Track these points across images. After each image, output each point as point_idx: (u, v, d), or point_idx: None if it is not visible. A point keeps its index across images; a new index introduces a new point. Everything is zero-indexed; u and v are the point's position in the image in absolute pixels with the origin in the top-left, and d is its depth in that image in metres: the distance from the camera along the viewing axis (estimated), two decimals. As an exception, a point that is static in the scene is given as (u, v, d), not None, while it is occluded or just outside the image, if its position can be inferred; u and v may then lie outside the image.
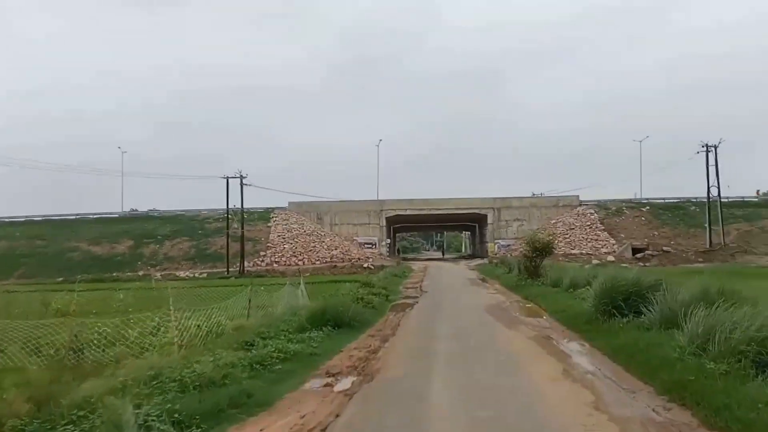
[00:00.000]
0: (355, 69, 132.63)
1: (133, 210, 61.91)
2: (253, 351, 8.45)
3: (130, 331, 11.06)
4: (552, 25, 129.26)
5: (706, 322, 6.25)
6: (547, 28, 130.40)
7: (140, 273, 46.47)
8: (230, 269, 45.87)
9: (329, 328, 10.50)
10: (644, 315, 8.61)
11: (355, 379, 6.96)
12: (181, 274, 45.96)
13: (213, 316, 12.43)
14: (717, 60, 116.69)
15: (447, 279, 29.93)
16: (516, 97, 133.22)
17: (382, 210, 56.05)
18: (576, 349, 8.36)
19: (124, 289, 24.48)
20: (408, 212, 56.41)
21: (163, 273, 46.54)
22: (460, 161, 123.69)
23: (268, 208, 58.10)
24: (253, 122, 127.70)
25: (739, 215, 50.42)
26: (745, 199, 54.13)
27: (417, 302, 17.24)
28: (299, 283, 19.74)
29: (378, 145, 62.00)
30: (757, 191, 60.18)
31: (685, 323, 6.82)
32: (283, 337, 9.84)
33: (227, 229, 47.64)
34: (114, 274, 44.84)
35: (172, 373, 7.15)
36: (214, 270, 46.89)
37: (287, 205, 58.26)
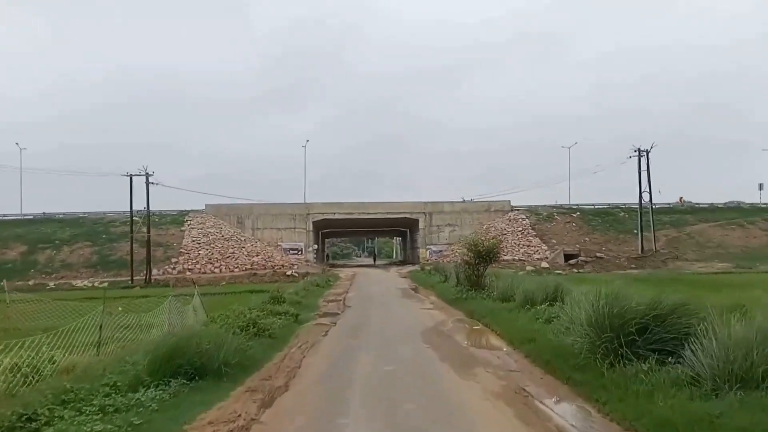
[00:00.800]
0: (283, 83, 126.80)
1: (44, 214, 54.10)
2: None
3: None
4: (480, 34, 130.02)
5: None
6: (481, 36, 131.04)
7: (31, 282, 40.64)
8: (136, 277, 40.41)
9: (182, 380, 6.58)
10: (673, 358, 5.40)
11: None
12: (79, 283, 40.26)
13: (44, 349, 8.41)
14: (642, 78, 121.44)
15: (376, 289, 26.40)
16: (445, 105, 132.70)
17: (308, 213, 51.93)
18: (587, 428, 4.94)
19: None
20: (337, 216, 52.60)
21: (58, 282, 40.95)
22: (388, 169, 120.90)
23: (182, 211, 52.60)
24: (176, 130, 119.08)
25: (666, 221, 50.44)
26: (672, 206, 54.51)
27: (335, 324, 13.53)
28: (195, 296, 15.67)
29: (305, 146, 57.78)
30: (680, 198, 61.19)
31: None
32: (95, 403, 5.86)
33: (131, 232, 41.97)
34: (1, 283, 38.52)
35: None
36: (119, 278, 41.40)
37: (204, 208, 52.97)
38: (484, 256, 17.61)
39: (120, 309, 13.05)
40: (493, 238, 19.19)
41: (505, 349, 9.00)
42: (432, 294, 22.55)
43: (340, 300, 20.90)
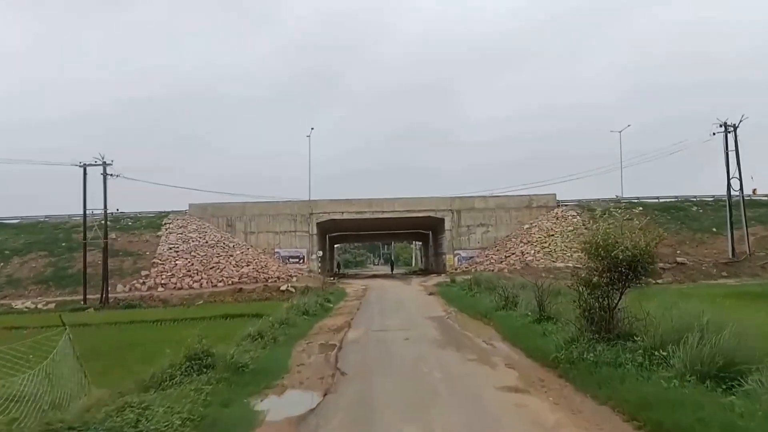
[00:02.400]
0: (302, 80, 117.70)
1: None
2: None
3: None
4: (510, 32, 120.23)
5: None
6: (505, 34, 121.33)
7: (-33, 302, 32.27)
8: (93, 296, 31.81)
9: None
10: None
11: None
12: (19, 304, 31.57)
13: None
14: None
15: (395, 320, 17.04)
16: (471, 104, 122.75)
17: (312, 213, 42.77)
18: None
19: None
20: (345, 216, 43.41)
21: (-4, 303, 32.34)
22: (409, 170, 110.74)
23: (161, 213, 43.90)
24: (187, 128, 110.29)
25: (751, 217, 40.29)
26: (753, 198, 44.27)
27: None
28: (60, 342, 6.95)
29: (309, 136, 48.71)
30: (753, 190, 50.96)
31: None
32: None
33: (84, 238, 33.38)
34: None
35: None
36: (75, 297, 32.74)
37: (188, 208, 44.13)
38: (628, 266, 8.45)
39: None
40: (640, 229, 9.62)
41: None
42: (492, 331, 13.28)
43: (333, 350, 11.71)
